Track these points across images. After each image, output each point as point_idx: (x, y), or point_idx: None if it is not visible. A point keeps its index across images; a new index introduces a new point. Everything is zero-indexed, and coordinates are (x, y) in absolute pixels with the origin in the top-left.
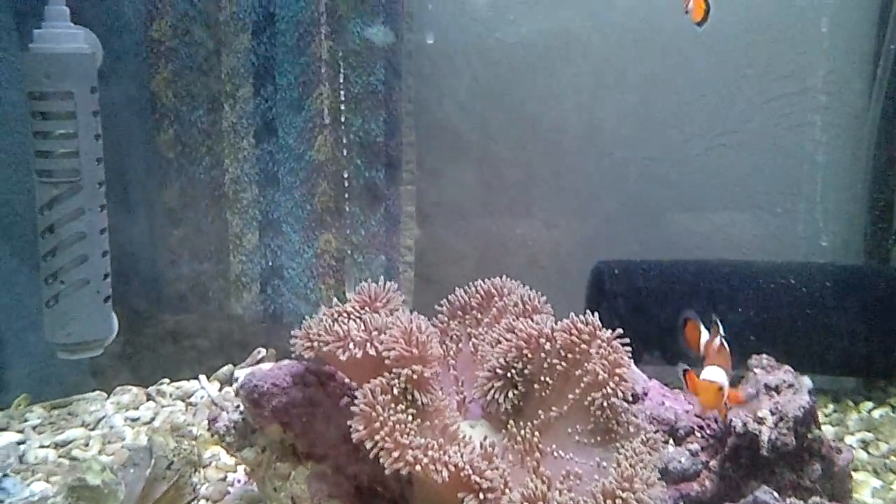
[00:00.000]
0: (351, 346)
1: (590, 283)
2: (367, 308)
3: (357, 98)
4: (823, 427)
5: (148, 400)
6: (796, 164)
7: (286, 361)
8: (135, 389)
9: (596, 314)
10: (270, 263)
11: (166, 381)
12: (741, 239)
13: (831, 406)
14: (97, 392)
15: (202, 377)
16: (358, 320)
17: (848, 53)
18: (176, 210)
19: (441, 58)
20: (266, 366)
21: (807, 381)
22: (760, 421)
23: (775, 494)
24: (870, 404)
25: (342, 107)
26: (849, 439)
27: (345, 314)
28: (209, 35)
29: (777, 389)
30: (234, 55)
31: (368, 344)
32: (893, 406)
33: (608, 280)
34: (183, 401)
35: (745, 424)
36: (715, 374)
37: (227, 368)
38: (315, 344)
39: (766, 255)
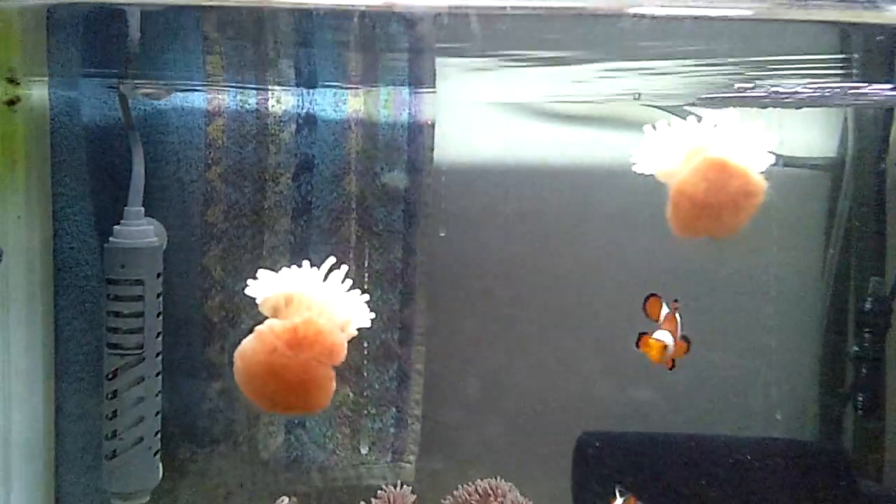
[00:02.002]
0: None
1: (574, 452)
2: None
3: (378, 273)
4: None
5: None
6: (753, 350)
7: None
8: None
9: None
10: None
11: None
12: (713, 405)
13: None
14: None
15: None
16: None
17: (796, 254)
18: (217, 365)
19: (452, 234)
20: None
21: None
22: None
23: None
24: None
25: (365, 283)
26: None
27: None
28: (255, 219)
29: None
30: (275, 236)
31: None
32: None
33: (590, 452)
34: None
35: None
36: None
37: None
38: None
39: (731, 423)
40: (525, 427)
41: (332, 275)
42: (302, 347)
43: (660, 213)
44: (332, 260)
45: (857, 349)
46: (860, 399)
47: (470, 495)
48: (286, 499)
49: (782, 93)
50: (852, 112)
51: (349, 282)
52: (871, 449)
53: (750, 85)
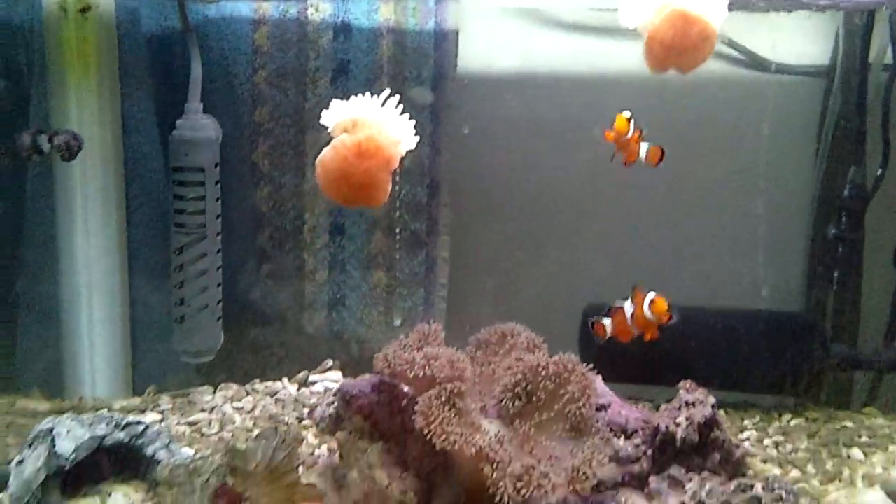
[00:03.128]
0: (416, 367)
1: (581, 321)
2: (422, 341)
3: (408, 169)
4: (749, 432)
5: (247, 395)
6: (745, 233)
7: (369, 375)
8: (235, 386)
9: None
10: (336, 294)
11: (257, 381)
12: (707, 285)
13: (758, 416)
14: (205, 386)
15: (285, 380)
16: (419, 350)
17: (784, 150)
18: (267, 250)
19: (473, 137)
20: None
21: (712, 399)
22: (677, 425)
23: (682, 471)
24: (788, 416)
25: (396, 176)
26: (766, 441)
27: (409, 345)
28: (298, 118)
29: (692, 404)
30: (315, 133)
31: (427, 367)
32: (806, 418)
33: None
34: (271, 396)
35: (667, 427)
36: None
37: (303, 374)
38: (391, 364)
39: (723, 299)
40: (538, 312)
41: (388, 102)
42: (365, 157)
43: (662, 122)
44: (388, 91)
45: (834, 231)
46: (836, 274)
47: (490, 335)
48: (330, 361)
49: None
50: (842, 18)
51: (401, 107)
52: (846, 318)
53: None
